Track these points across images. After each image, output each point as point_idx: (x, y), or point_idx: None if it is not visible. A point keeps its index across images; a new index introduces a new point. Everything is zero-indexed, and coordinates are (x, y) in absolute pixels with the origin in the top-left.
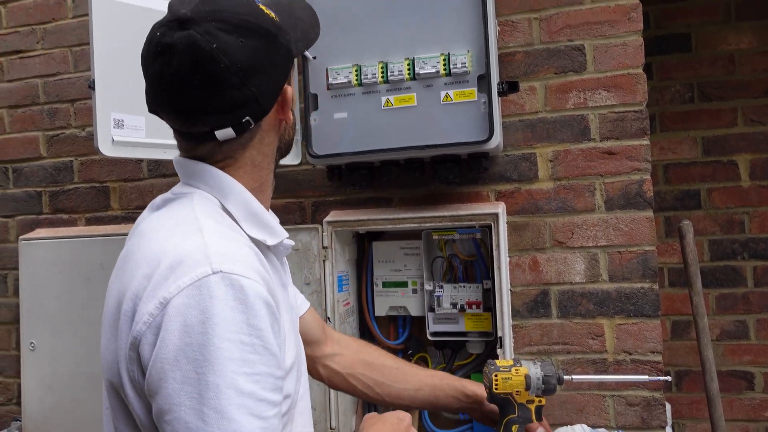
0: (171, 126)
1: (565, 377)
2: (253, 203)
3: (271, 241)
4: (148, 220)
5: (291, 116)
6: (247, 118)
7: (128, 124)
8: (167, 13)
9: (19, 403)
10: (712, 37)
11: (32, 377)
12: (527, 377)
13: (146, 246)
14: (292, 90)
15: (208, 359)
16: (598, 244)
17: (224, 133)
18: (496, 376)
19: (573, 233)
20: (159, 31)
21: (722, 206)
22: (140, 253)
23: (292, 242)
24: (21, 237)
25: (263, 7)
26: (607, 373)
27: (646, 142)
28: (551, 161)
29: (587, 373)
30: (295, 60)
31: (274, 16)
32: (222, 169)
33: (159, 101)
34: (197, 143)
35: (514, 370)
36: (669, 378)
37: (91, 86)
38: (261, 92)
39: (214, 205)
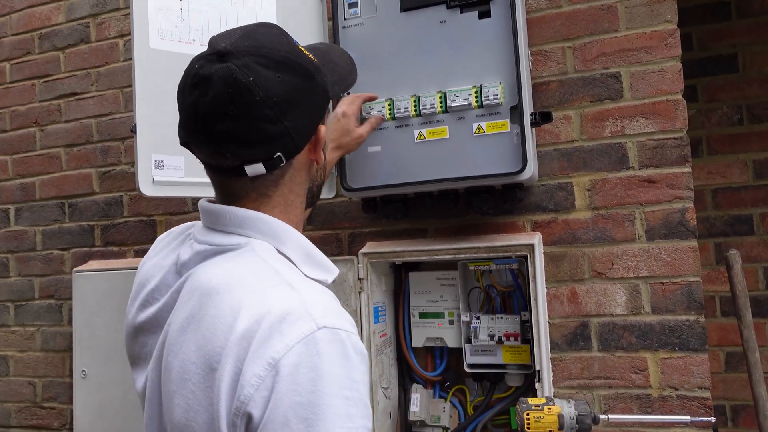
0: (201, 160)
1: (601, 417)
2: (307, 244)
3: (329, 279)
4: (206, 273)
5: (323, 157)
6: (279, 154)
7: (168, 164)
8: (207, 48)
9: (71, 429)
10: (760, 56)
11: (83, 404)
12: (560, 416)
13: (227, 303)
14: (326, 130)
15: (319, 416)
16: (640, 275)
17: (254, 169)
18: (527, 415)
19: (613, 264)
20: (197, 64)
21: None
22: (218, 310)
23: (338, 271)
24: (75, 269)
25: (302, 48)
26: (652, 410)
27: (687, 169)
28: (588, 190)
29: (630, 410)
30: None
31: (312, 58)
32: (257, 208)
33: (192, 132)
34: (229, 178)
35: (547, 408)
36: (713, 419)
37: (133, 130)
38: (295, 129)
39: (275, 253)
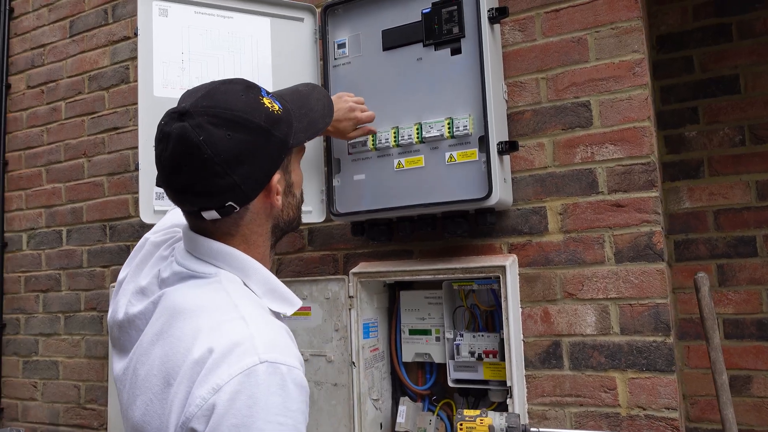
0: (171, 201)
1: (532, 429)
2: (272, 279)
3: (289, 312)
4: (179, 295)
5: (279, 202)
6: (230, 203)
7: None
8: (177, 102)
9: (107, 429)
10: (762, 77)
11: (115, 407)
12: (491, 428)
13: (189, 328)
14: (278, 178)
15: None
16: (609, 296)
17: (210, 214)
18: (461, 425)
19: (583, 285)
20: (164, 120)
21: None
22: (181, 332)
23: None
24: (112, 284)
25: (266, 101)
26: (621, 428)
27: (654, 194)
28: (561, 214)
29: (600, 428)
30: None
31: (277, 109)
32: (222, 242)
33: (159, 179)
34: (193, 218)
35: (479, 420)
36: None
37: (137, 167)
38: (244, 181)
39: (240, 285)
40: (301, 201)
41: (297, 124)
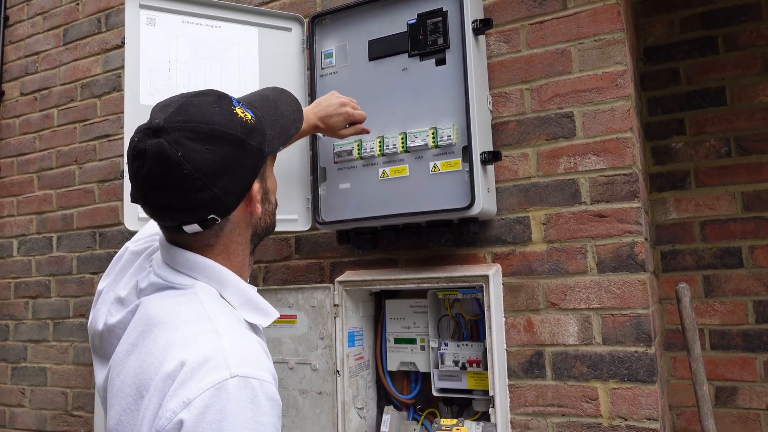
0: (150, 217)
1: None
2: (248, 291)
3: (265, 324)
4: (154, 306)
5: (259, 209)
6: (212, 215)
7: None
8: (149, 117)
9: None
10: (748, 89)
11: (101, 413)
12: None
13: (162, 339)
14: (257, 187)
15: None
16: (591, 306)
17: (191, 228)
18: None
19: (566, 295)
20: (137, 137)
21: (767, 264)
22: (155, 344)
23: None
24: None
25: (238, 110)
26: None
27: (636, 204)
28: (544, 224)
29: None
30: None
31: (249, 118)
32: (201, 254)
33: (136, 196)
34: (172, 233)
35: (456, 429)
36: None
37: (122, 174)
38: (225, 193)
39: (215, 297)
40: (276, 206)
41: (270, 131)
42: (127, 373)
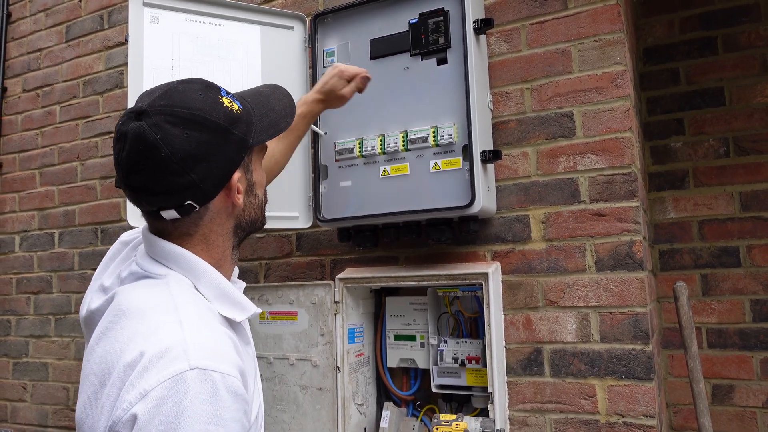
0: (129, 201)
1: None
2: (223, 283)
3: (240, 318)
4: (126, 295)
5: (240, 200)
6: (189, 201)
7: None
8: (135, 102)
9: None
10: (746, 89)
11: None
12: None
13: (128, 329)
14: (239, 177)
15: None
16: (589, 304)
17: (168, 214)
18: (437, 429)
19: (564, 293)
20: (121, 120)
21: (764, 264)
22: (121, 332)
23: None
24: None
25: (225, 100)
26: None
27: (635, 203)
28: (543, 223)
29: None
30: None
31: (236, 108)
32: (180, 244)
33: (118, 179)
34: (152, 218)
35: (455, 424)
36: None
37: None
38: (203, 179)
39: (188, 287)
40: (265, 201)
41: (257, 123)
42: (94, 361)
